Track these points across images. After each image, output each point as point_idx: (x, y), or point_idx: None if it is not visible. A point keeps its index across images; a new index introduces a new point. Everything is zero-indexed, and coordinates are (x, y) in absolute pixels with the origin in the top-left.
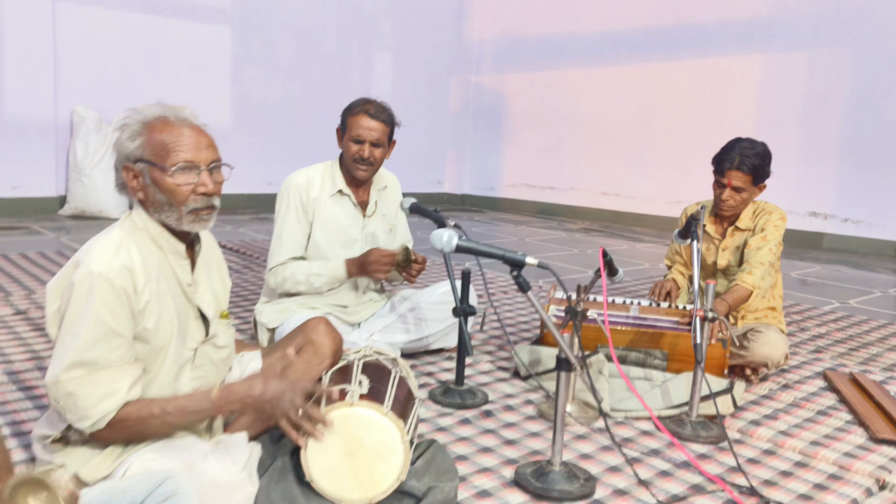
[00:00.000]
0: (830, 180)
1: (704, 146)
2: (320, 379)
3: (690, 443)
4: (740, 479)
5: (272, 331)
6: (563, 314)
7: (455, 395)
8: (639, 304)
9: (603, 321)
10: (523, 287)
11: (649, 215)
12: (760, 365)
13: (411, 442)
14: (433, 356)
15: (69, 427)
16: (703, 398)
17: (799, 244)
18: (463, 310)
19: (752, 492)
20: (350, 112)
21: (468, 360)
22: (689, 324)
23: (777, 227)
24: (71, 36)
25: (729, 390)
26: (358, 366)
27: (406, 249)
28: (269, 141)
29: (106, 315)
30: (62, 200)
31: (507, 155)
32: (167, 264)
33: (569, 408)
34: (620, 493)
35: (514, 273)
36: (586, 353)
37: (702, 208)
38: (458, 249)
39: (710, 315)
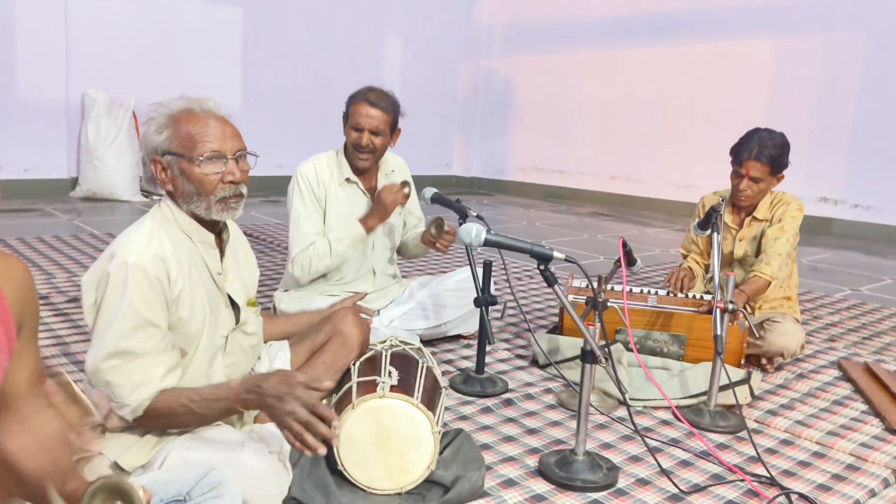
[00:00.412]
0: (841, 166)
1: (715, 131)
2: (349, 369)
3: (709, 432)
4: (759, 469)
5: None
6: (581, 300)
7: (476, 383)
8: (657, 293)
9: (622, 309)
10: (550, 281)
11: (659, 200)
12: (776, 355)
13: (439, 431)
14: (451, 343)
15: (106, 415)
16: (722, 388)
17: (809, 230)
18: (484, 300)
19: (771, 482)
20: (352, 100)
21: (487, 349)
22: (708, 311)
23: (794, 217)
24: (83, 19)
25: (746, 380)
26: (386, 357)
27: (439, 220)
28: (279, 124)
29: (141, 305)
30: (74, 182)
31: (516, 138)
32: (197, 254)
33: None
34: (642, 482)
35: (542, 267)
36: (604, 342)
37: (722, 200)
38: (487, 243)
39: (730, 307)
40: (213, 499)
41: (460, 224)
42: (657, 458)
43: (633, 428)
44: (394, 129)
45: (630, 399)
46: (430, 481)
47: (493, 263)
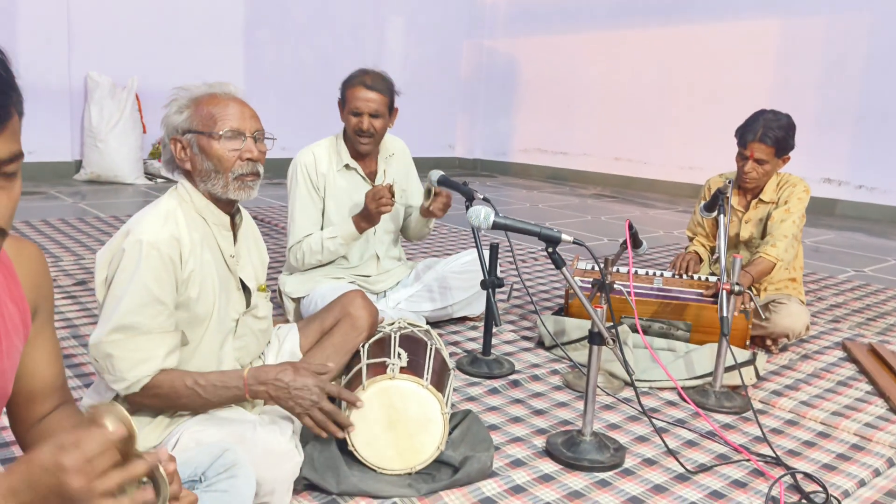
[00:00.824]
0: (845, 146)
1: (719, 112)
2: (358, 351)
3: (715, 413)
4: (764, 449)
5: (297, 301)
6: (588, 285)
7: (482, 364)
8: (662, 275)
9: (629, 293)
10: (558, 263)
11: (662, 181)
12: (782, 336)
13: (448, 413)
14: (457, 325)
15: (118, 395)
16: (727, 368)
17: (813, 211)
18: (491, 282)
19: (777, 461)
20: (348, 84)
21: (493, 330)
22: (714, 296)
23: (801, 199)
24: (84, 1)
25: (752, 361)
26: (395, 338)
27: (429, 187)
28: (282, 105)
29: (151, 282)
30: (78, 165)
31: (519, 119)
32: (211, 236)
33: None
34: (649, 462)
35: (550, 249)
36: (610, 324)
37: (729, 182)
38: (495, 226)
39: (736, 289)
40: (227, 479)
41: (467, 207)
42: (663, 439)
43: (639, 409)
44: (391, 110)
45: (636, 380)
46: (439, 461)
47: (500, 246)
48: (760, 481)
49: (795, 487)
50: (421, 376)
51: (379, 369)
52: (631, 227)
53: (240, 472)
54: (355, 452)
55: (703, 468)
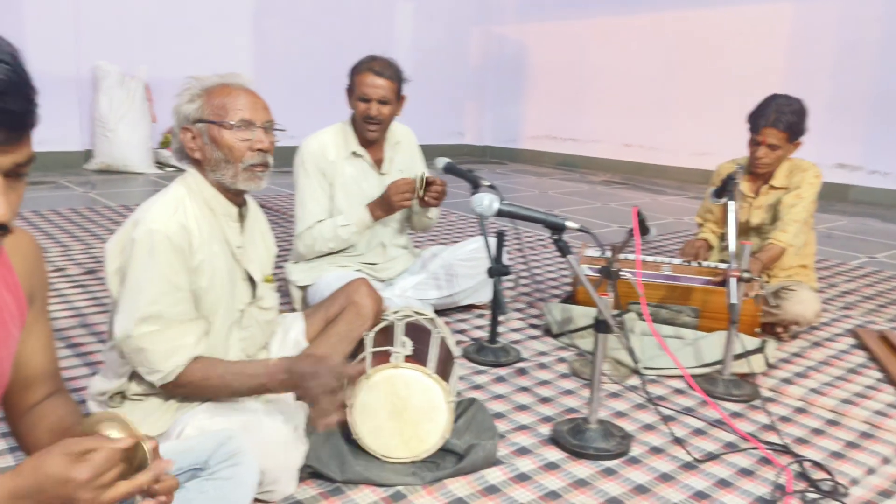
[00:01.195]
0: (859, 131)
1: (730, 97)
2: (362, 339)
3: (723, 401)
4: (773, 437)
5: (304, 289)
6: (595, 273)
7: (489, 352)
8: (670, 262)
9: (636, 280)
10: (564, 250)
11: (672, 167)
12: (792, 323)
13: (453, 401)
14: (464, 313)
15: (129, 380)
16: (736, 357)
17: (825, 196)
18: (498, 270)
19: (785, 450)
20: (356, 71)
21: (500, 318)
22: (722, 283)
23: (812, 184)
24: None
25: (761, 349)
26: (400, 327)
27: (422, 176)
28: (291, 93)
29: (168, 270)
30: (87, 155)
31: (528, 106)
32: (218, 226)
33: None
34: (656, 450)
35: (555, 237)
36: (617, 311)
37: (739, 168)
38: (500, 213)
39: (745, 276)
40: (230, 467)
41: (472, 194)
42: (670, 427)
43: (646, 396)
44: (399, 97)
45: (643, 368)
46: (444, 450)
47: (506, 233)
48: (768, 469)
49: (803, 475)
50: (425, 365)
51: (383, 358)
52: (639, 213)
53: (243, 460)
54: (360, 441)
55: (711, 456)
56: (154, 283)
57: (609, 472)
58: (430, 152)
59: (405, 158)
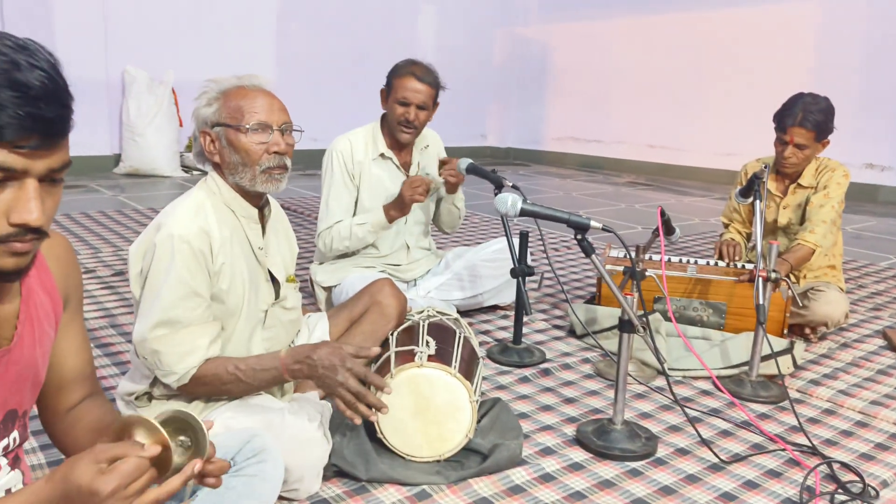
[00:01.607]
0: (889, 131)
1: (757, 96)
2: (387, 339)
3: (750, 402)
4: (801, 439)
5: (328, 290)
6: (619, 272)
7: (513, 353)
8: (696, 263)
9: (660, 278)
10: (587, 250)
11: (697, 168)
12: (820, 324)
13: (477, 401)
14: (488, 314)
15: (153, 383)
16: (764, 358)
17: (854, 197)
18: (521, 270)
19: (813, 451)
20: (396, 73)
21: (524, 319)
22: (749, 280)
23: (840, 184)
24: None
25: (789, 350)
26: (423, 327)
27: (440, 160)
28: (314, 96)
29: (186, 276)
30: (117, 159)
31: (551, 108)
32: (240, 228)
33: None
34: (682, 451)
35: (579, 236)
36: (641, 312)
37: (765, 167)
38: (523, 213)
39: (773, 276)
40: (257, 464)
41: (496, 195)
42: (697, 428)
43: (671, 398)
44: (434, 103)
45: (669, 369)
46: (468, 449)
47: (530, 235)
48: (796, 471)
49: (832, 477)
50: (449, 364)
51: (407, 357)
52: (663, 213)
53: (268, 457)
54: (384, 440)
55: (738, 458)
56: (172, 288)
57: (634, 473)
58: (452, 154)
59: (432, 163)
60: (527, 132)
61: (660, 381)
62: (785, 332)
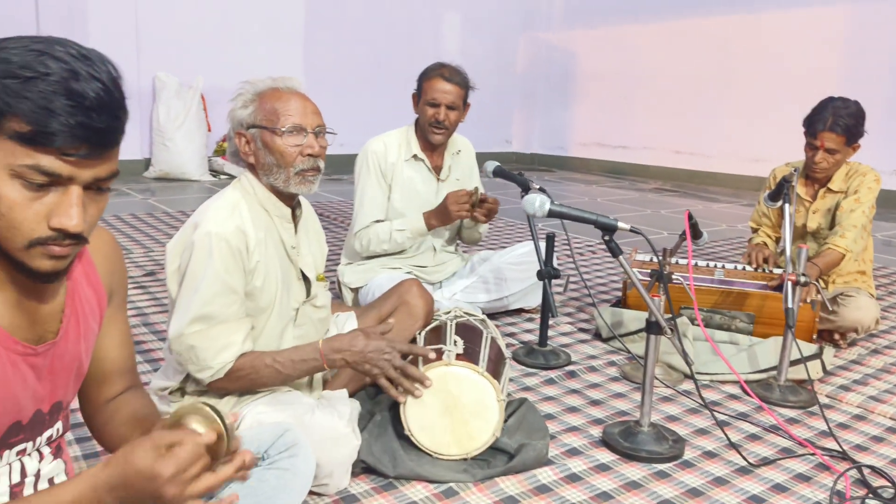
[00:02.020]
0: None
1: (784, 102)
2: (414, 339)
3: (779, 407)
4: (830, 444)
5: (356, 291)
6: (646, 278)
7: (538, 355)
8: (723, 267)
9: (688, 283)
10: (615, 251)
11: (725, 174)
12: (850, 330)
13: (504, 400)
14: (513, 317)
15: (186, 379)
16: (793, 362)
17: (885, 203)
18: (547, 272)
19: (843, 456)
20: (425, 76)
21: (550, 322)
22: (778, 287)
23: (871, 189)
24: (151, 4)
25: (818, 355)
26: (451, 326)
27: (475, 190)
28: (339, 103)
29: (223, 272)
30: (147, 163)
31: (576, 113)
32: (273, 227)
33: None
34: (710, 454)
35: (606, 237)
36: (669, 315)
37: (795, 171)
38: (551, 214)
39: (802, 279)
40: (290, 458)
41: (522, 197)
42: (725, 431)
43: (700, 401)
44: (465, 103)
45: (696, 373)
46: (494, 448)
47: (556, 237)
48: (826, 475)
49: (862, 482)
50: (476, 363)
51: (435, 356)
52: (690, 217)
53: (300, 452)
54: (412, 437)
55: (766, 461)
56: (210, 285)
57: (662, 475)
58: (477, 160)
59: (463, 168)
60: (551, 138)
61: (686, 385)
62: (814, 337)
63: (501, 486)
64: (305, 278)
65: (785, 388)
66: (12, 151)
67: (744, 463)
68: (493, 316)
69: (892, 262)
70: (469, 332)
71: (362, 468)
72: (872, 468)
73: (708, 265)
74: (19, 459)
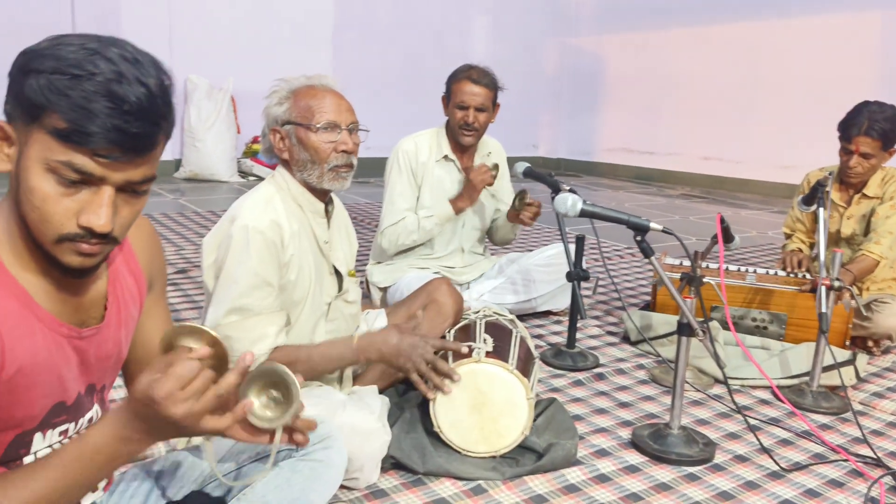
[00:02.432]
0: None
1: (815, 107)
2: (443, 337)
3: (811, 413)
4: (864, 450)
5: (384, 290)
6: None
7: (567, 357)
8: (755, 271)
9: (718, 286)
10: (646, 252)
11: (754, 181)
12: (884, 337)
13: (533, 399)
14: (541, 318)
15: None
16: (825, 368)
17: None
18: (577, 274)
19: (877, 463)
20: (454, 79)
21: (578, 324)
22: (811, 290)
23: None
24: (184, 7)
25: (852, 361)
26: (480, 325)
27: (522, 192)
28: (368, 105)
29: (259, 265)
30: (178, 164)
31: (604, 119)
32: (307, 222)
33: None
34: (741, 458)
35: (638, 238)
36: (701, 319)
37: (829, 174)
38: (583, 214)
39: (836, 284)
40: (322, 449)
41: (552, 198)
42: (757, 436)
43: (730, 405)
44: (494, 105)
45: (727, 378)
46: (523, 447)
47: (585, 239)
48: (859, 482)
49: None
50: (506, 361)
51: (464, 353)
52: (722, 220)
53: (334, 444)
54: (441, 434)
55: (798, 466)
56: (246, 277)
57: (692, 478)
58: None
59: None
60: (578, 143)
61: (717, 389)
62: (847, 343)
63: (530, 485)
64: (337, 273)
65: (817, 394)
66: (49, 146)
67: (775, 467)
68: (520, 318)
69: None
70: (498, 331)
71: (392, 463)
72: None
73: (740, 269)
74: (61, 441)
